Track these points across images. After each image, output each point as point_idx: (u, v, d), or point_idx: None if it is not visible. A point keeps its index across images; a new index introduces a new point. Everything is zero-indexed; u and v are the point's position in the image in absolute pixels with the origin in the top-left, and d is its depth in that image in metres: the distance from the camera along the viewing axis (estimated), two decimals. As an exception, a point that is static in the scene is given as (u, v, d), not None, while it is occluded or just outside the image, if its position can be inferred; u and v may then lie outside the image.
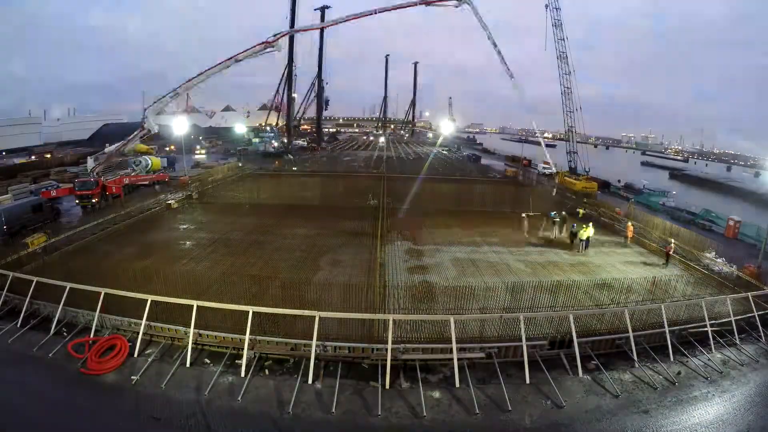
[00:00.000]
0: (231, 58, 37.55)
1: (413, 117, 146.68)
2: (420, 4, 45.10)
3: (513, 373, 11.77)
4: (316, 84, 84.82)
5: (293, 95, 75.88)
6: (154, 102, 35.04)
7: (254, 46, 37.79)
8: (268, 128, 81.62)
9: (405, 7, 45.54)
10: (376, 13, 45.17)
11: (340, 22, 47.34)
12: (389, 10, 45.60)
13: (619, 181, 47.71)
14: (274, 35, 38.35)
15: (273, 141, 72.37)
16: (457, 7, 46.33)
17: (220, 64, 37.40)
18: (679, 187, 54.80)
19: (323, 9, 69.11)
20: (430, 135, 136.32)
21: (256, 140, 73.30)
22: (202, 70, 36.67)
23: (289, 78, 71.85)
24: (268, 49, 38.14)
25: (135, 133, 34.72)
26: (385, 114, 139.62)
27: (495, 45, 50.25)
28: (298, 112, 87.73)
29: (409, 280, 17.51)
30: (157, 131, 36.73)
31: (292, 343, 12.25)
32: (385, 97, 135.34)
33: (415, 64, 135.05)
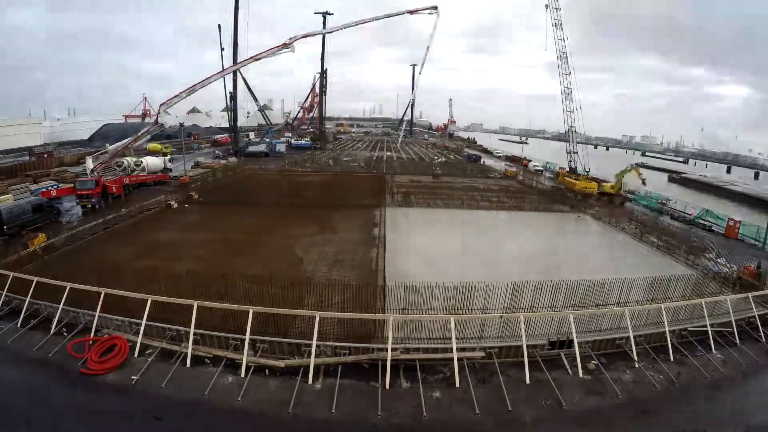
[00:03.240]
0: (251, 57, 43.70)
1: (412, 117, 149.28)
2: (405, 13, 57.15)
3: (513, 373, 11.75)
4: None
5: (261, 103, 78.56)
6: (171, 98, 36.02)
7: (273, 48, 43.67)
8: (252, 134, 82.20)
9: (395, 15, 56.58)
10: (372, 20, 54.84)
11: (344, 28, 55.02)
12: (382, 18, 55.86)
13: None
14: (290, 38, 44.58)
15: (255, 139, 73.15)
16: (431, 14, 59.43)
17: (241, 62, 44.13)
18: (679, 191, 54.61)
19: (324, 15, 75.93)
20: (426, 136, 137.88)
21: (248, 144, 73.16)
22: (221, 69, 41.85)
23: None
24: (284, 50, 43.90)
25: (146, 128, 35.66)
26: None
27: (428, 49, 67.07)
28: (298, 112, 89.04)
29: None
30: (169, 126, 38.51)
31: (293, 343, 12.24)
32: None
33: (413, 66, 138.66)
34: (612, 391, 11.17)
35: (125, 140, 36.53)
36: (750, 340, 14.16)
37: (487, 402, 10.60)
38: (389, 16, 56.00)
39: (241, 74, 66.10)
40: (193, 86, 37.70)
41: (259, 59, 43.66)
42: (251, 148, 66.57)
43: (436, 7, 57.75)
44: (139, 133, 36.42)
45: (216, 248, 21.70)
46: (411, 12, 56.56)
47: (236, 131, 70.49)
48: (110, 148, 36.44)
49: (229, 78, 63.70)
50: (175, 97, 36.57)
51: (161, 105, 35.99)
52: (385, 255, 20.94)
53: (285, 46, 43.89)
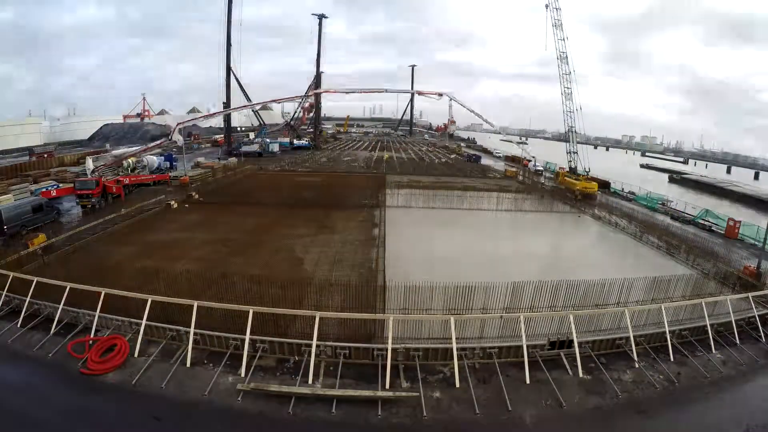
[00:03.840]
0: (273, 100, 51.80)
1: (411, 117, 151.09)
2: (415, 92, 69.86)
3: (513, 373, 11.76)
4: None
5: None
6: (189, 120, 39.18)
7: (294, 96, 52.98)
8: (252, 134, 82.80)
9: (405, 92, 72.29)
10: (386, 91, 63.82)
11: (357, 92, 61.72)
12: (393, 92, 68.43)
13: (622, 189, 47.63)
14: (311, 91, 52.38)
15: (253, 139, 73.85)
16: (438, 99, 65.75)
17: (262, 102, 52.19)
18: (678, 191, 54.49)
19: (321, 17, 78.45)
20: (427, 136, 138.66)
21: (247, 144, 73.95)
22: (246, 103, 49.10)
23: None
24: (304, 98, 51.37)
25: (157, 142, 38.06)
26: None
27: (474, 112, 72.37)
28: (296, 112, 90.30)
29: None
30: (182, 144, 41.09)
31: (293, 343, 12.24)
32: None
33: (413, 67, 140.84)
34: (612, 391, 11.17)
35: (134, 149, 38.04)
36: (750, 340, 14.16)
37: (487, 402, 10.61)
38: (401, 92, 68.41)
39: (234, 74, 67.09)
40: (213, 114, 41.22)
41: (279, 102, 50.87)
42: (244, 149, 66.98)
43: (441, 95, 65.89)
44: (150, 145, 38.25)
45: (216, 248, 21.68)
46: (420, 93, 65.83)
47: (229, 131, 71.21)
48: (116, 152, 37.12)
49: (224, 76, 65.23)
50: (193, 120, 39.09)
51: (178, 123, 38.42)
52: (385, 255, 20.93)
53: (306, 96, 51.66)
